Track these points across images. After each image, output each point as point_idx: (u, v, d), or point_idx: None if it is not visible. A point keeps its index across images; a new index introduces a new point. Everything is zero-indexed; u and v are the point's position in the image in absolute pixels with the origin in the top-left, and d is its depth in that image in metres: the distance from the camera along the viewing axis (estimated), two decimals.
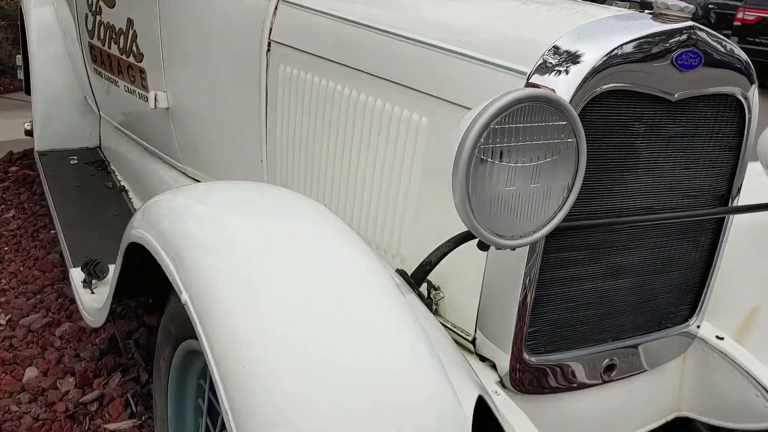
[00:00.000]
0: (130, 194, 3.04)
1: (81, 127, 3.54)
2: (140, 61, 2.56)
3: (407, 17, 1.76)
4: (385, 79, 1.72)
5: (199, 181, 2.54)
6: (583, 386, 1.65)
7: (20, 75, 4.40)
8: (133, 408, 2.14)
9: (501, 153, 1.24)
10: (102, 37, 2.79)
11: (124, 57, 2.66)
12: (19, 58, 4.36)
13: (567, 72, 1.37)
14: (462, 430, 1.05)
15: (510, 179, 1.26)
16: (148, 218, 1.34)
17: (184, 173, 2.61)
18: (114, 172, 3.28)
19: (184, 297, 1.11)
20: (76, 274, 2.32)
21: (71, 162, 3.37)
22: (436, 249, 1.36)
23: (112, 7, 2.65)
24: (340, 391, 0.96)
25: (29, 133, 3.89)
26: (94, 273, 2.23)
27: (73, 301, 2.66)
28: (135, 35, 2.54)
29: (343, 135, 1.86)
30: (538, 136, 1.21)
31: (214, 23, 2.22)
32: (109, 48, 2.76)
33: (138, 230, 1.36)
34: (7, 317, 2.61)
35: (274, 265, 1.10)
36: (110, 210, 2.88)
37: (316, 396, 0.95)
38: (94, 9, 2.80)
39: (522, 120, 1.23)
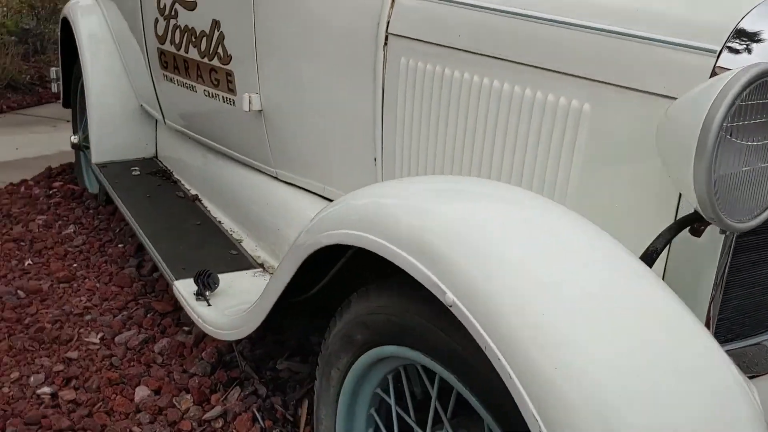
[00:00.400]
0: (204, 202, 2.95)
1: (137, 137, 3.45)
2: (227, 64, 2.47)
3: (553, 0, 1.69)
4: (534, 66, 1.65)
5: (292, 185, 2.46)
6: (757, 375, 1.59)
7: (55, 88, 4.28)
8: (261, 423, 2.05)
9: (739, 131, 1.18)
10: (177, 42, 2.70)
11: (206, 60, 2.57)
12: (53, 71, 4.24)
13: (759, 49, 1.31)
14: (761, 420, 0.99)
15: (746, 159, 1.21)
16: (363, 217, 1.26)
17: (275, 177, 2.52)
18: (179, 181, 3.19)
19: (450, 297, 1.03)
20: (184, 287, 2.24)
21: (134, 173, 3.28)
22: (659, 236, 1.30)
23: (192, 10, 2.56)
24: (669, 392, 0.89)
25: (76, 146, 3.78)
26: (207, 284, 2.14)
27: (164, 315, 2.59)
28: (222, 36, 2.45)
29: (483, 127, 1.79)
30: None
31: (320, 20, 2.14)
32: (186, 52, 2.66)
33: (342, 231, 1.28)
34: (99, 335, 2.51)
35: (551, 257, 1.03)
36: (189, 220, 2.80)
37: (643, 395, 0.88)
38: (167, 13, 2.71)
39: (763, 96, 1.17)
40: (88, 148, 3.71)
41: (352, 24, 2.05)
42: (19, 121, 5.94)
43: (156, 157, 3.49)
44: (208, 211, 2.88)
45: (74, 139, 3.78)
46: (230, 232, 2.69)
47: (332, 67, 2.15)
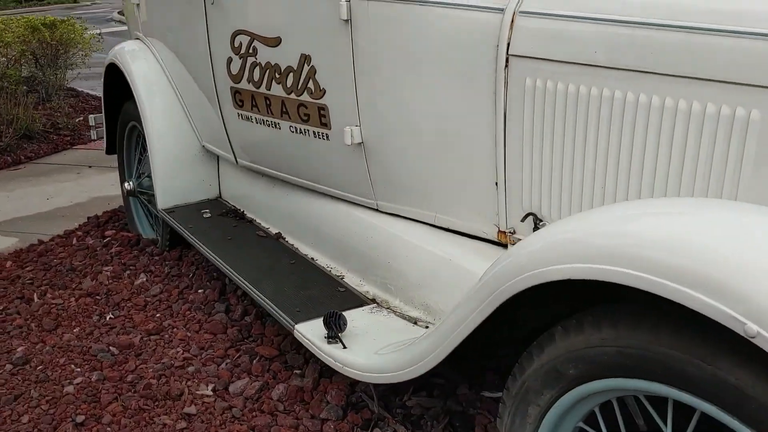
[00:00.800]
0: (289, 240, 2.89)
1: (200, 179, 3.39)
2: (320, 98, 2.42)
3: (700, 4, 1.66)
4: (686, 77, 1.62)
5: (396, 215, 2.41)
6: None
7: (95, 135, 4.21)
8: None
9: None
10: (257, 79, 2.64)
11: (293, 96, 2.52)
12: (92, 118, 4.18)
13: None
14: None
15: None
16: (605, 249, 1.20)
17: (375, 209, 2.47)
18: (254, 220, 3.13)
19: (753, 328, 0.98)
20: (308, 331, 2.18)
21: (205, 215, 3.21)
22: None
23: (275, 46, 2.51)
24: None
25: (131, 192, 3.71)
26: (338, 326, 2.09)
27: (271, 359, 2.52)
28: (313, 71, 2.40)
29: (629, 143, 1.75)
30: None
31: (430, 46, 2.10)
32: (268, 89, 2.61)
33: (573, 266, 1.24)
34: (210, 387, 2.43)
35: None
36: (281, 259, 2.74)
37: None
38: (244, 51, 2.65)
39: None
40: (144, 193, 3.65)
41: (467, 48, 2.02)
42: (42, 171, 5.84)
43: (220, 197, 3.43)
44: (296, 248, 2.82)
45: (128, 185, 3.70)
46: (328, 269, 2.63)
47: (444, 92, 2.11)
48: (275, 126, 2.68)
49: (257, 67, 2.63)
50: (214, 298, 3.01)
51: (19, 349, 2.72)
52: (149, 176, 3.59)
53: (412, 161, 2.27)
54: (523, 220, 2.03)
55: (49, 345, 2.75)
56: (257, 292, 2.47)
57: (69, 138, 6.64)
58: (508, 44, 1.93)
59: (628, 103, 1.73)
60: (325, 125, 2.46)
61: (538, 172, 1.97)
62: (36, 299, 3.14)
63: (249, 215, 3.17)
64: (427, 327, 2.19)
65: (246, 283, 2.55)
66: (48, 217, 4.65)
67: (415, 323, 2.23)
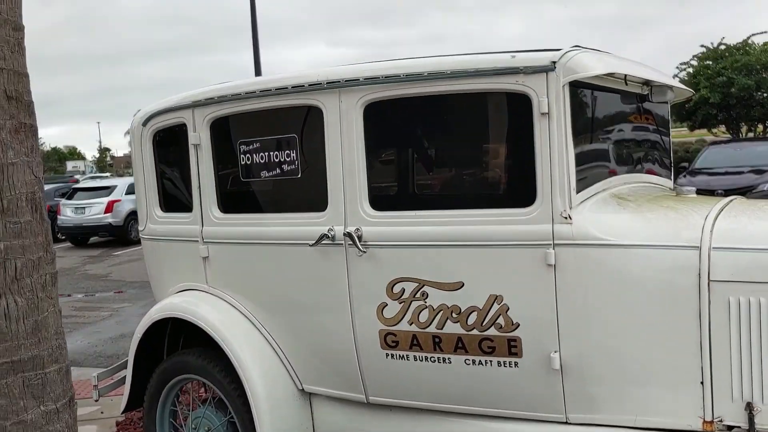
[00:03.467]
0: None
1: (299, 422, 3.35)
2: (511, 331, 2.75)
3: None
4: None
5: (585, 424, 2.75)
6: None
7: (97, 395, 3.83)
8: None
9: None
10: (424, 321, 2.88)
11: (474, 333, 2.80)
12: (95, 376, 3.82)
13: None
14: None
15: None
16: None
17: (564, 422, 2.78)
18: None
19: None
20: None
21: None
22: None
23: (456, 290, 2.81)
24: None
25: None
26: None
27: None
28: (505, 308, 2.74)
29: None
30: None
31: (632, 279, 2.61)
32: (440, 329, 2.86)
33: None
34: None
35: None
36: None
37: None
38: (407, 297, 2.89)
39: None
40: None
41: (669, 278, 2.57)
42: None
43: None
44: None
45: None
46: None
47: (647, 316, 2.61)
48: (443, 361, 2.90)
49: (425, 310, 2.88)
50: None
51: None
52: (206, 430, 3.45)
53: (613, 377, 2.68)
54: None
55: None
56: None
57: None
58: (708, 273, 2.53)
59: None
60: (515, 354, 2.77)
61: (748, 370, 2.51)
62: None
63: None
64: None
65: None
66: None
67: None
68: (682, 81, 18.24)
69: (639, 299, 2.62)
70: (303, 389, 3.36)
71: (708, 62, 20.54)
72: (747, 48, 20.20)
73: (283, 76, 3.19)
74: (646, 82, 3.32)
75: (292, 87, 3.10)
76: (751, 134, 21.93)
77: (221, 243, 3.45)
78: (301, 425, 3.37)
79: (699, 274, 2.54)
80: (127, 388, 3.74)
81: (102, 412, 5.19)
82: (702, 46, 21.25)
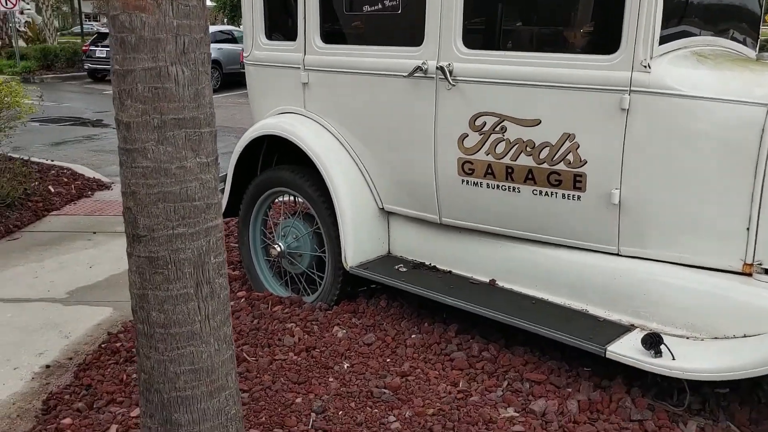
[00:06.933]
0: (505, 285, 3.42)
1: (377, 237, 3.79)
2: (578, 167, 3.04)
3: None
4: None
5: (636, 257, 3.09)
6: None
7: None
8: None
9: None
10: (500, 152, 3.19)
11: (545, 166, 3.11)
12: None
13: None
14: None
15: None
16: None
17: (616, 254, 3.12)
18: (451, 270, 3.60)
19: None
20: (624, 350, 2.78)
21: (401, 270, 3.63)
22: None
23: (534, 126, 3.10)
24: None
25: (282, 254, 3.98)
26: (661, 343, 2.72)
27: (540, 383, 3.04)
28: (576, 146, 3.02)
29: None
30: None
31: (698, 129, 2.83)
32: (514, 160, 3.18)
33: None
34: (511, 409, 2.90)
35: None
36: (517, 301, 3.27)
37: None
38: (487, 130, 3.20)
39: None
40: (291, 254, 3.95)
41: (734, 129, 2.78)
42: (44, 240, 5.64)
43: (389, 253, 3.85)
44: (517, 291, 3.36)
45: (278, 248, 3.97)
46: (566, 305, 3.21)
47: (708, 161, 2.84)
48: (513, 190, 3.24)
49: (502, 143, 3.19)
50: (435, 341, 3.43)
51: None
52: (294, 238, 3.93)
53: (667, 217, 2.97)
54: None
55: (330, 394, 3.02)
56: (537, 326, 3.00)
57: (41, 204, 6.42)
58: None
59: None
60: (579, 188, 3.08)
61: None
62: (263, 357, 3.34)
63: (442, 267, 3.63)
64: (702, 340, 2.88)
65: (516, 319, 3.06)
66: (111, 285, 4.64)
67: (687, 338, 2.91)
68: None
69: (702, 149, 2.85)
70: (383, 208, 3.77)
71: None
72: None
73: None
74: None
75: None
76: None
77: (321, 71, 3.79)
78: (379, 239, 3.81)
79: (763, 130, 2.75)
80: (225, 197, 4.23)
81: (89, 239, 5.74)
82: None
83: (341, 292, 3.84)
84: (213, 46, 16.87)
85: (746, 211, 2.85)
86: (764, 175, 2.78)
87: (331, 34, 3.79)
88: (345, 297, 3.88)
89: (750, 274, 2.90)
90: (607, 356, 2.82)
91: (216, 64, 16.98)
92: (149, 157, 1.99)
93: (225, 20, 31.78)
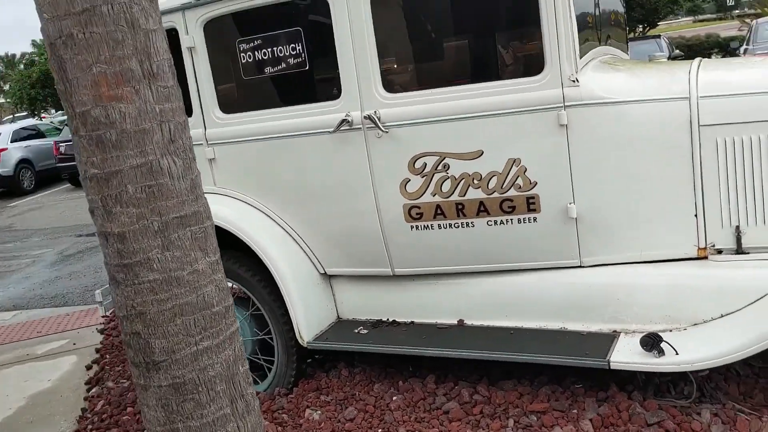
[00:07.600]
0: (474, 322, 3.32)
1: (324, 304, 3.56)
2: (530, 189, 3.05)
3: None
4: None
5: (599, 265, 3.13)
6: None
7: (104, 311, 3.86)
8: None
9: None
10: (446, 191, 3.12)
11: (495, 195, 3.08)
12: (98, 293, 3.83)
13: None
14: None
15: None
16: None
17: (578, 266, 3.15)
18: (413, 322, 3.45)
19: None
20: (625, 358, 2.79)
21: (362, 332, 3.43)
22: None
23: (476, 158, 3.06)
24: None
25: None
26: (660, 341, 2.75)
27: (544, 412, 2.99)
28: (523, 169, 3.03)
29: None
30: None
31: (633, 131, 2.94)
32: (462, 196, 3.12)
33: None
34: None
35: None
36: (495, 334, 3.19)
37: None
38: (428, 171, 3.11)
39: None
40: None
41: (665, 125, 2.93)
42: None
43: (339, 318, 3.62)
44: (487, 325, 3.28)
45: None
46: (543, 328, 3.18)
47: (650, 160, 2.96)
48: (467, 225, 3.17)
49: (447, 180, 3.13)
50: (420, 397, 3.25)
51: None
52: None
53: (621, 219, 3.04)
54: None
55: None
56: (533, 356, 2.93)
57: None
58: (698, 119, 2.91)
59: None
60: (534, 210, 3.08)
61: (734, 202, 2.93)
62: None
63: (402, 320, 3.47)
64: (686, 329, 2.95)
65: (507, 353, 2.97)
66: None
67: (671, 331, 2.97)
68: None
69: (640, 149, 2.96)
70: (325, 272, 3.56)
71: None
72: None
73: None
74: None
75: None
76: None
77: (228, 143, 3.53)
78: (327, 306, 3.58)
79: (690, 121, 2.91)
80: None
81: (74, 344, 5.17)
82: None
83: (297, 372, 3.56)
84: (20, 144, 15.51)
85: (691, 199, 2.98)
86: (701, 163, 2.94)
87: (232, 102, 3.55)
88: (302, 376, 3.60)
89: (705, 257, 3.03)
90: (611, 368, 2.81)
91: (27, 163, 15.55)
92: (156, 268, 1.68)
93: (26, 114, 28.25)
